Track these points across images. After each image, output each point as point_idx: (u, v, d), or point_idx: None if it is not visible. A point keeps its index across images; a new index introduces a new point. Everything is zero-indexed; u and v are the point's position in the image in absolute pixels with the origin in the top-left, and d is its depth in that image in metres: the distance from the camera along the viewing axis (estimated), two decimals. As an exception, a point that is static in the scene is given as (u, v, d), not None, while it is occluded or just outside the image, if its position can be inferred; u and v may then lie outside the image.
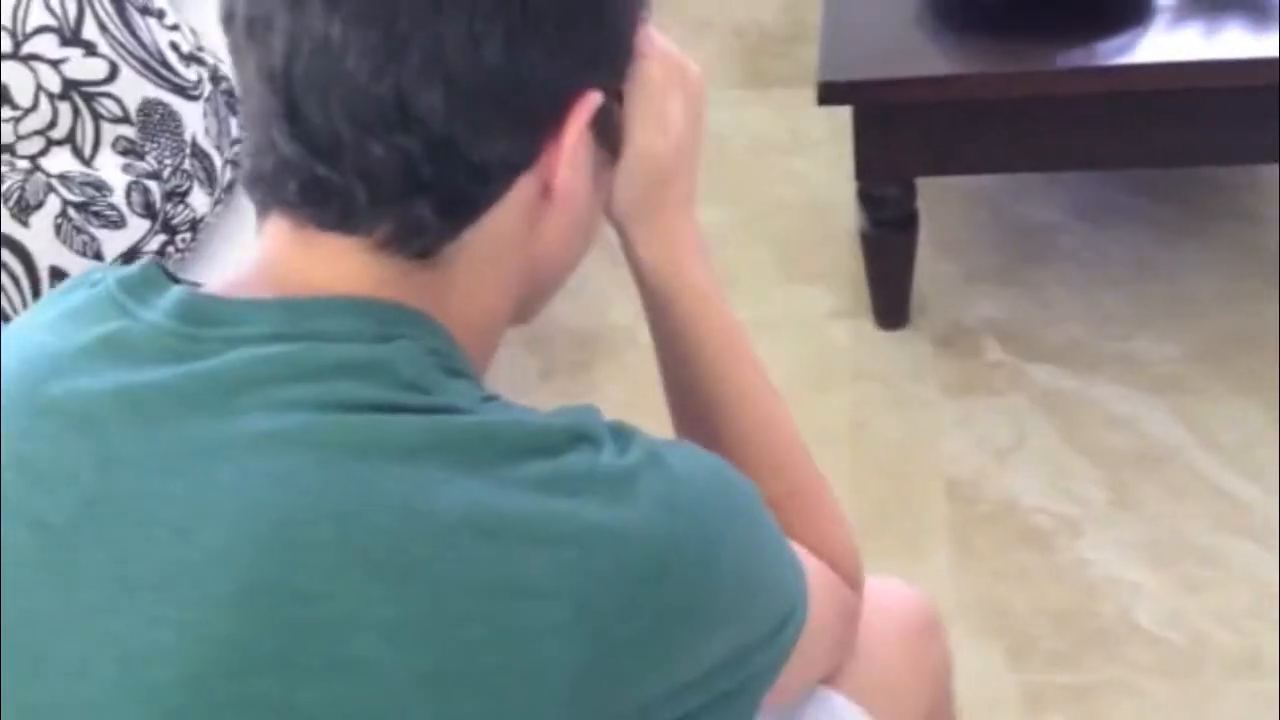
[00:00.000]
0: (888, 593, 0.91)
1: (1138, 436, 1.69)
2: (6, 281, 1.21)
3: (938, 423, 1.75)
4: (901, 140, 1.69)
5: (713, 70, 2.51)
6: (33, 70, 1.29)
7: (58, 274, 1.22)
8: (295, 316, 0.56)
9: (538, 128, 0.61)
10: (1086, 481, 1.64)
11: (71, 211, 1.25)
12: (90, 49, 1.33)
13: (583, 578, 0.52)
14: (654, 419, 1.89)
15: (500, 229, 0.61)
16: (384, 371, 0.55)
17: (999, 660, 1.47)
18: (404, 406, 0.54)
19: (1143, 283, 1.90)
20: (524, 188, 0.62)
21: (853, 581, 0.78)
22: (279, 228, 0.60)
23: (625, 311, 2.01)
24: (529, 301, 0.69)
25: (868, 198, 1.77)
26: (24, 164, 1.27)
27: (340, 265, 0.59)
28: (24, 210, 1.23)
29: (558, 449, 0.55)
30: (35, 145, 1.28)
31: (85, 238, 1.25)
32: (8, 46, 1.28)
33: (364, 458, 0.52)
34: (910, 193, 1.78)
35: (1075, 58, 1.60)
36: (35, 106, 1.28)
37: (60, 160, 1.28)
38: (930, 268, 1.98)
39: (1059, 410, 1.74)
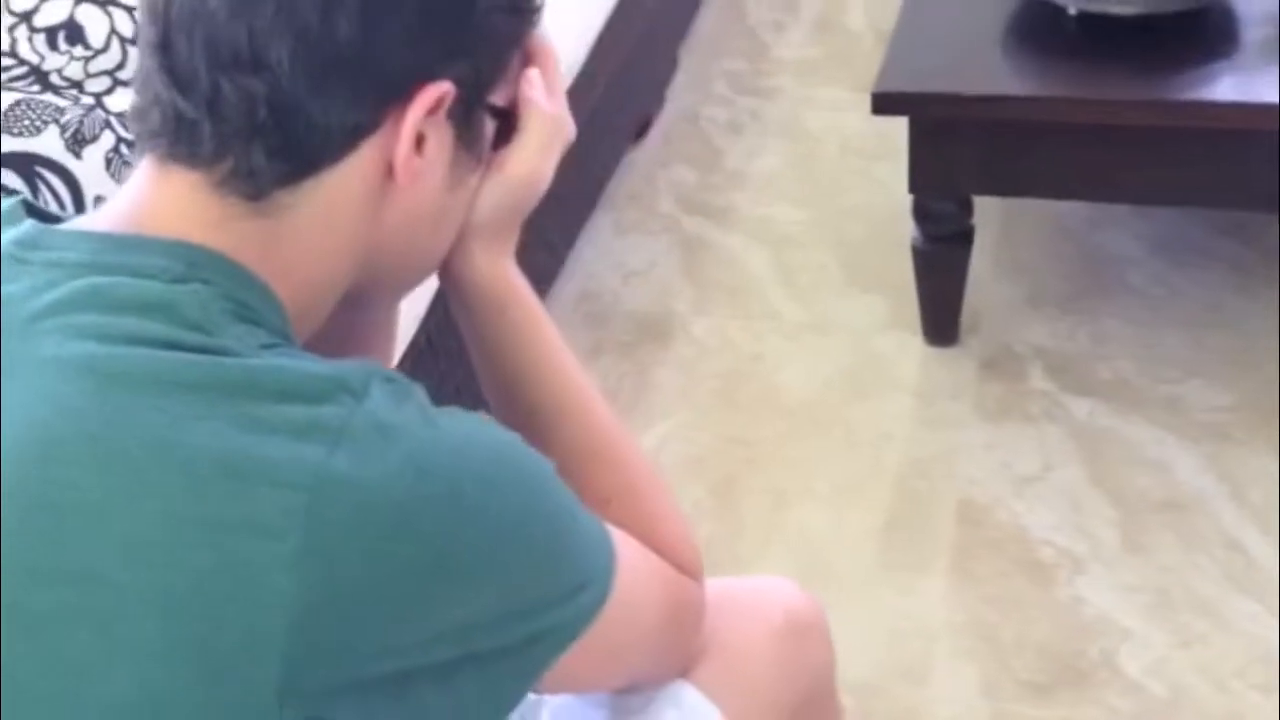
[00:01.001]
0: (766, 591, 0.93)
1: (1165, 482, 1.65)
2: (54, 207, 1.32)
3: (965, 443, 1.74)
4: (955, 156, 1.68)
5: (819, 71, 2.52)
6: (109, 14, 1.40)
7: (101, 202, 1.33)
8: (112, 250, 0.62)
9: (381, 103, 0.65)
10: (1101, 521, 1.61)
11: (123, 148, 1.36)
12: None
13: (314, 522, 0.56)
14: (691, 408, 1.96)
15: (337, 194, 0.66)
16: (170, 311, 0.60)
17: (974, 685, 1.47)
18: (180, 344, 0.59)
19: (1207, 327, 1.85)
20: (366, 159, 0.66)
21: (689, 570, 0.79)
22: (145, 165, 0.67)
23: (685, 301, 2.05)
24: (374, 284, 0.73)
25: (922, 211, 1.76)
26: (88, 100, 1.38)
27: (182, 202, 0.65)
28: (79, 143, 1.34)
29: (317, 397, 0.59)
30: (102, 84, 1.39)
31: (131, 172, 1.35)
32: (88, -9, 1.40)
33: (131, 389, 0.57)
34: (965, 209, 1.77)
35: (1134, 88, 1.57)
36: (106, 48, 1.40)
37: (122, 100, 1.39)
38: (991, 288, 1.96)
39: (1090, 446, 1.71)
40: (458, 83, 0.67)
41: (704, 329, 2.00)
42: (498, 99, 0.72)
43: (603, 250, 2.17)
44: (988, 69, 1.66)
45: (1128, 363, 1.81)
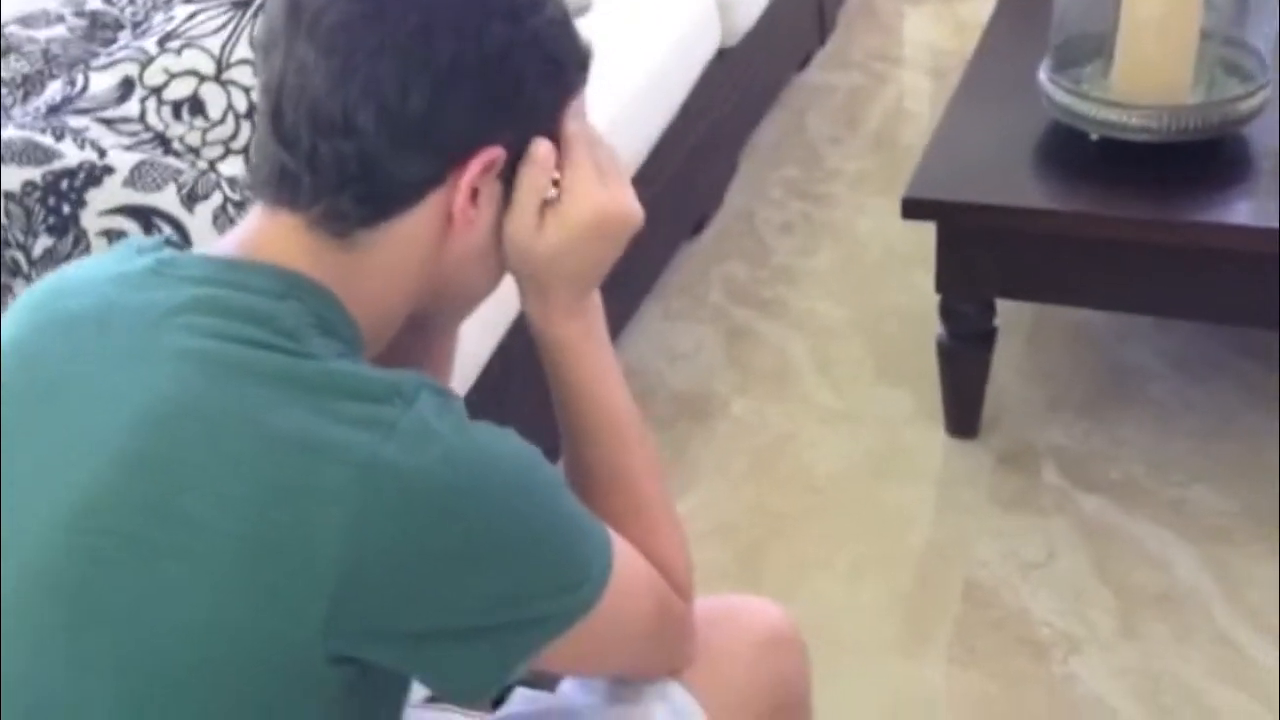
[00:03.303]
0: (747, 607, 1.05)
1: (1164, 577, 1.74)
2: (166, 253, 1.50)
3: (977, 529, 1.85)
4: (977, 261, 1.82)
5: (870, 181, 2.68)
6: (227, 92, 1.60)
7: (207, 254, 1.51)
8: (229, 270, 0.78)
9: (445, 163, 0.80)
10: (1101, 609, 1.71)
11: (230, 208, 1.55)
12: (277, 82, 1.63)
13: (364, 495, 0.69)
14: (724, 480, 2.10)
15: (407, 235, 0.81)
16: (271, 321, 0.75)
17: (965, 752, 1.56)
18: (276, 347, 0.74)
19: (1218, 438, 1.95)
20: (433, 207, 0.81)
21: (682, 592, 0.91)
22: (257, 210, 0.82)
23: (726, 383, 2.19)
24: (434, 311, 0.87)
25: (947, 311, 1.89)
26: (203, 164, 1.57)
27: (283, 238, 0.80)
28: (192, 200, 1.53)
29: (377, 397, 0.72)
30: (216, 151, 1.58)
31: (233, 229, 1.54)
32: (211, 70, 1.60)
33: (236, 378, 0.72)
34: (988, 311, 1.90)
35: (1146, 208, 1.70)
36: (223, 120, 1.59)
37: (232, 166, 1.58)
38: (1015, 389, 2.08)
39: (1096, 540, 1.81)
40: (507, 146, 0.82)
41: (742, 409, 2.13)
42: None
43: (652, 334, 2.33)
44: (1012, 183, 1.80)
45: (1138, 465, 1.92)
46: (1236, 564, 1.75)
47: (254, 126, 1.63)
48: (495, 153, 0.81)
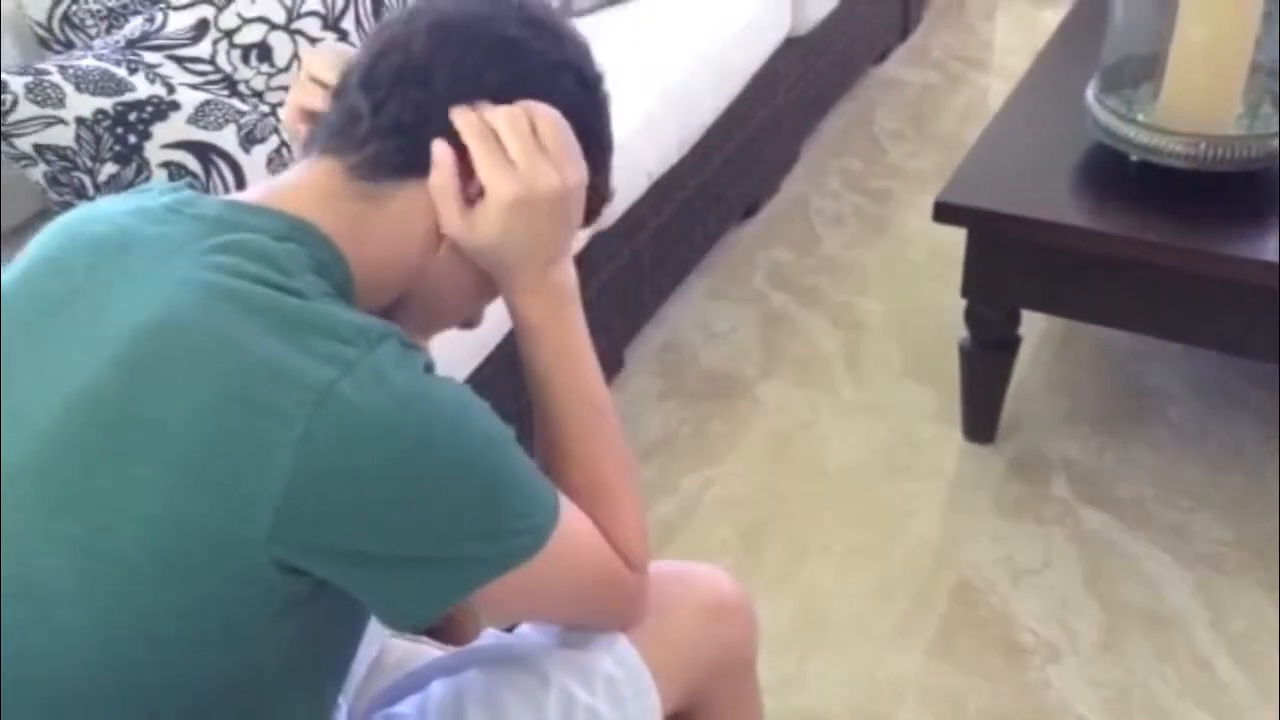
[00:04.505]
0: (699, 573, 1.11)
1: (1153, 596, 1.78)
2: (220, 190, 1.60)
3: (977, 532, 1.89)
4: (1004, 270, 1.85)
5: (927, 180, 2.71)
6: (295, 41, 1.69)
7: (258, 193, 1.60)
8: (238, 213, 0.86)
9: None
10: (1085, 620, 1.75)
11: (285, 151, 1.63)
12: (343, 36, 1.71)
13: (315, 420, 0.76)
14: (738, 458, 2.16)
15: (421, 204, 0.88)
16: (268, 258, 0.82)
17: (932, 741, 1.62)
18: (267, 281, 0.81)
19: (1228, 470, 1.97)
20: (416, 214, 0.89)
21: (633, 563, 0.97)
22: (298, 166, 0.90)
23: (755, 366, 2.25)
24: (414, 308, 0.93)
25: (972, 316, 1.93)
26: (265, 108, 1.66)
27: (308, 186, 0.87)
28: (250, 141, 1.62)
29: (346, 338, 0.79)
30: (278, 97, 1.67)
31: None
32: (282, 19, 1.69)
33: (226, 305, 0.79)
34: (1012, 320, 1.93)
35: (1175, 235, 1.72)
36: (288, 68, 1.68)
37: (292, 112, 1.67)
38: (1036, 399, 2.11)
39: (1092, 554, 1.84)
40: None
41: (766, 391, 2.19)
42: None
43: (693, 310, 2.39)
44: (1046, 197, 1.83)
45: (1146, 487, 1.95)
46: (1226, 592, 1.77)
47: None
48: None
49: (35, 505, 0.78)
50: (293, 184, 0.90)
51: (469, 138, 0.88)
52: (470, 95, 0.89)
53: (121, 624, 0.78)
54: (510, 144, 0.88)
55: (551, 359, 0.96)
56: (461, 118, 0.88)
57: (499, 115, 0.89)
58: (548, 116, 0.90)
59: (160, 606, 0.77)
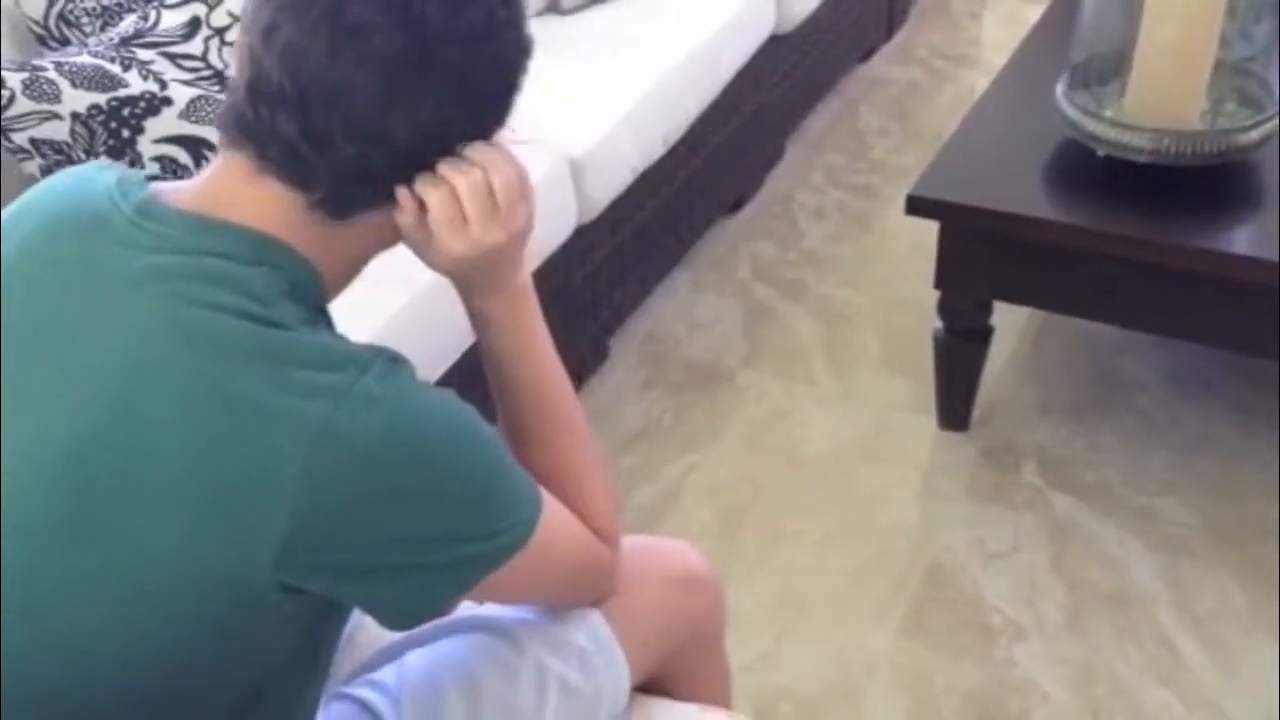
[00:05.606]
0: (666, 548, 1.16)
1: (1119, 578, 1.83)
2: (211, 181, 1.65)
3: (949, 517, 1.94)
4: (975, 262, 1.90)
5: (910, 176, 2.75)
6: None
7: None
8: (204, 233, 0.83)
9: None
10: (1052, 602, 1.80)
11: (274, 145, 1.69)
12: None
13: (314, 455, 0.78)
14: (717, 445, 2.20)
15: (373, 223, 0.88)
16: (241, 285, 0.81)
17: (900, 716, 1.66)
18: (244, 312, 0.80)
19: (1196, 455, 2.02)
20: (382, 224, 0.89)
21: (606, 537, 1.01)
22: (236, 162, 0.86)
23: (736, 356, 2.30)
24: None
25: (945, 307, 1.98)
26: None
27: (267, 205, 0.85)
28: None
29: (333, 366, 0.80)
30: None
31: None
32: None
33: (203, 345, 0.80)
34: (984, 310, 1.98)
35: (1141, 228, 1.76)
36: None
37: (281, 107, 1.72)
38: (1010, 389, 2.16)
39: (1060, 537, 1.90)
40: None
41: (746, 381, 2.24)
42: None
43: (677, 302, 2.44)
44: (1016, 191, 1.87)
45: (1113, 472, 2.00)
46: (1191, 574, 1.82)
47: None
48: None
49: (51, 540, 0.81)
50: (245, 198, 0.85)
51: (431, 203, 0.88)
52: (425, 140, 0.85)
53: (140, 648, 0.82)
54: (468, 207, 0.89)
55: (510, 350, 0.99)
56: (426, 183, 0.88)
57: (461, 182, 0.88)
58: (505, 178, 0.90)
59: (176, 629, 0.81)
